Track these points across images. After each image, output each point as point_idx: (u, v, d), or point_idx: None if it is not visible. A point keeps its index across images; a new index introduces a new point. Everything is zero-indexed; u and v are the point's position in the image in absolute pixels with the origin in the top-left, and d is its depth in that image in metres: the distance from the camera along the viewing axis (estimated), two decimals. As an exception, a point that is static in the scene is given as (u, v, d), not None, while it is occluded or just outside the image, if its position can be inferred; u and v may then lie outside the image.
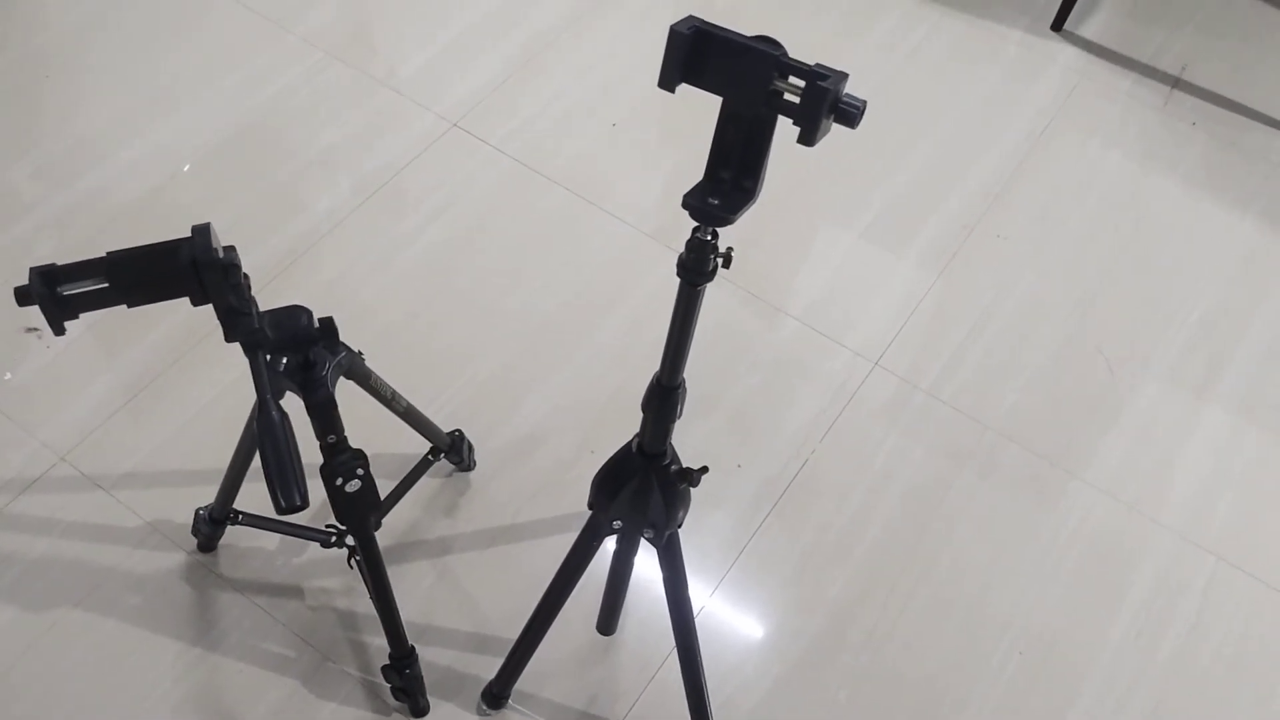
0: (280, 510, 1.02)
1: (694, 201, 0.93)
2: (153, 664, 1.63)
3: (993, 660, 1.74)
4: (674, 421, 1.18)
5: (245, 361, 1.06)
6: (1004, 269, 2.20)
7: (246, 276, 1.07)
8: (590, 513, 1.35)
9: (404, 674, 1.55)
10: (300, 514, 1.08)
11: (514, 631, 1.54)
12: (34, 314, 1.01)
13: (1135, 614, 1.80)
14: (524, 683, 1.61)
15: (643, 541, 1.36)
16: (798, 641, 1.73)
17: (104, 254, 1.01)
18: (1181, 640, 1.78)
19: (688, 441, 1.88)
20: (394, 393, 1.53)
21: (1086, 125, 2.46)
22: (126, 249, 1.02)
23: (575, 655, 1.69)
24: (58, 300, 1.01)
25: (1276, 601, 1.83)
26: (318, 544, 1.63)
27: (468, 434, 1.81)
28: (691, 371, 1.14)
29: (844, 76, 0.84)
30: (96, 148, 2.21)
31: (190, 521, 1.70)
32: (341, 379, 1.35)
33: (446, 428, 1.75)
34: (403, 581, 1.72)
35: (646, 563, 1.53)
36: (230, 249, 1.05)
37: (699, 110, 0.99)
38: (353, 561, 1.51)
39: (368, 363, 1.43)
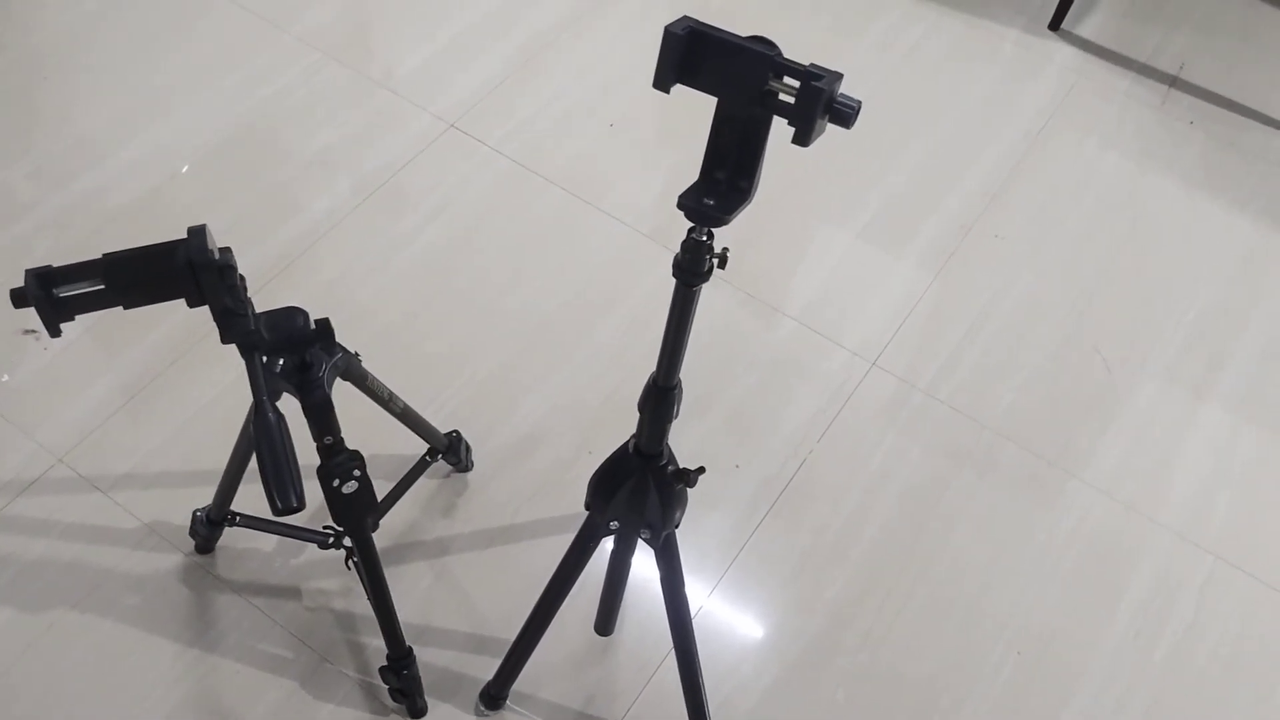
0: (277, 512, 1.02)
1: (689, 202, 0.93)
2: (151, 665, 1.63)
3: (991, 660, 1.74)
4: (670, 422, 1.18)
5: (243, 363, 1.06)
6: (1001, 269, 2.20)
7: (242, 278, 1.07)
8: (587, 513, 1.35)
9: (402, 675, 1.55)
10: (298, 515, 1.08)
11: (512, 632, 1.54)
12: (32, 316, 1.01)
13: (1133, 613, 1.80)
14: (522, 683, 1.61)
15: (640, 542, 1.36)
16: (796, 641, 1.73)
17: (100, 255, 1.02)
18: (1179, 639, 1.78)
19: (685, 442, 1.88)
20: (391, 394, 1.53)
21: (1084, 125, 2.46)
22: (122, 250, 1.02)
23: (573, 656, 1.69)
24: (54, 302, 1.01)
25: (1274, 600, 1.83)
26: (315, 545, 1.63)
27: (465, 435, 1.81)
28: (688, 372, 1.14)
29: (838, 77, 0.84)
30: (94, 148, 2.21)
31: (188, 523, 1.70)
32: (338, 380, 1.35)
33: (444, 429, 1.75)
34: (400, 582, 1.72)
35: (644, 563, 1.53)
36: (226, 250, 1.05)
37: (697, 111, 0.99)
38: (350, 563, 1.51)
39: (365, 364, 1.43)
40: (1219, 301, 2.19)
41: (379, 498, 1.48)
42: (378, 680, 1.61)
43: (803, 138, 0.85)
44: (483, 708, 1.63)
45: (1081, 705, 1.71)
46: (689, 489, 1.27)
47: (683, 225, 0.97)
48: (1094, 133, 2.44)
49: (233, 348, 1.06)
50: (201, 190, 2.17)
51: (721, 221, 0.94)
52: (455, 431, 1.78)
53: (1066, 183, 2.36)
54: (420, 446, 1.71)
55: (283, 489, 1.02)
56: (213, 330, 1.05)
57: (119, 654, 1.64)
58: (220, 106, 2.30)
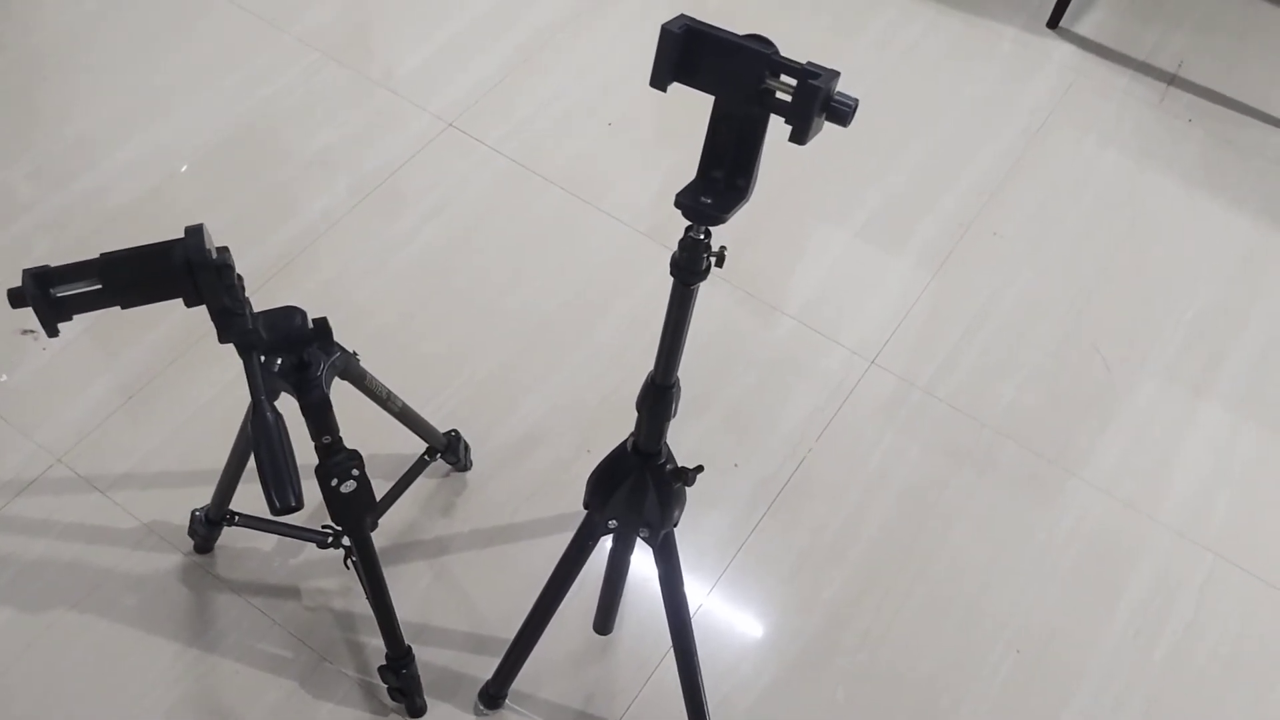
0: (275, 511, 1.02)
1: (686, 200, 0.93)
2: (150, 665, 1.63)
3: (990, 659, 1.74)
4: (668, 421, 1.18)
5: (241, 362, 1.06)
6: (1000, 267, 2.20)
7: (240, 277, 1.07)
8: (586, 512, 1.35)
9: (401, 674, 1.55)
10: (297, 514, 1.08)
11: (511, 631, 1.54)
12: (30, 316, 1.01)
13: (1133, 612, 1.80)
14: (521, 682, 1.61)
15: (639, 541, 1.36)
16: (795, 640, 1.73)
17: (97, 255, 1.01)
18: (1179, 638, 1.78)
19: (683, 441, 1.88)
20: (389, 393, 1.53)
21: (1082, 123, 2.46)
22: (119, 250, 1.02)
23: (572, 655, 1.69)
24: (51, 302, 1.01)
25: (1274, 599, 1.83)
26: (314, 544, 1.63)
27: (464, 434, 1.81)
28: (686, 370, 1.14)
29: (835, 75, 0.84)
30: (93, 148, 2.21)
31: (187, 522, 1.70)
32: (337, 379, 1.35)
33: (443, 428, 1.75)
34: (399, 582, 1.72)
35: (643, 562, 1.53)
36: (224, 249, 1.05)
37: (695, 109, 0.99)
38: (349, 562, 1.51)
39: (363, 363, 1.43)
40: (1218, 299, 2.19)
41: (378, 497, 1.48)
42: (377, 679, 1.61)
43: (800, 136, 0.85)
44: (482, 707, 1.63)
45: (1081, 704, 1.71)
46: (687, 488, 1.27)
47: (681, 224, 0.97)
48: (1093, 131, 2.44)
49: (231, 347, 1.06)
50: (200, 190, 2.17)
51: (719, 220, 0.94)
52: (454, 431, 1.78)
53: (1065, 181, 2.36)
54: (419, 446, 1.71)
55: (281, 488, 1.02)
56: (211, 330, 1.05)
57: (118, 654, 1.64)
58: (219, 106, 2.30)
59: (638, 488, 1.25)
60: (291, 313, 1.22)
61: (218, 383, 1.90)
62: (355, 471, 1.31)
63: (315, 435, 1.28)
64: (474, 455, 1.85)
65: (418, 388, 1.91)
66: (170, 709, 1.60)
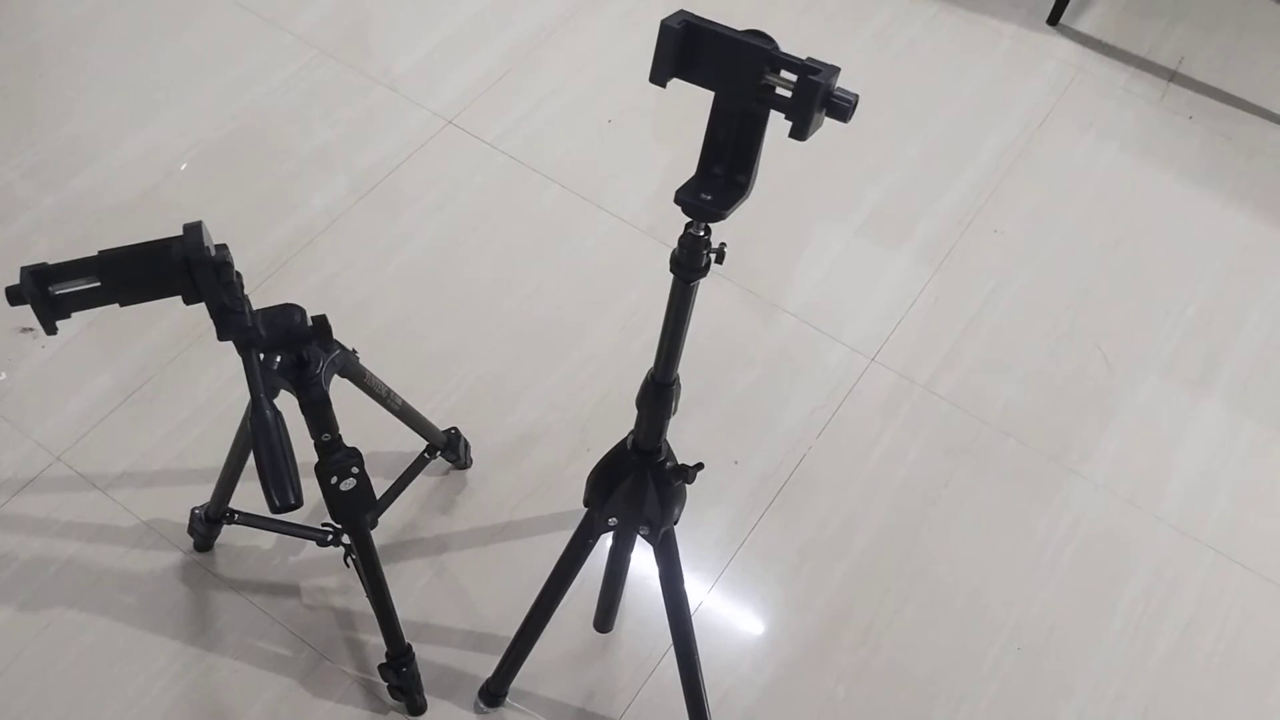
0: (274, 509, 1.02)
1: (686, 197, 0.93)
2: (149, 663, 1.63)
3: (990, 655, 1.73)
4: (668, 418, 1.18)
5: (240, 360, 1.06)
6: (1001, 264, 2.20)
7: (239, 274, 1.06)
8: (586, 510, 1.35)
9: (401, 672, 1.55)
10: (297, 512, 1.07)
11: (511, 629, 1.54)
12: (29, 313, 1.01)
13: (1132, 609, 1.80)
14: (521, 680, 1.61)
15: (639, 538, 1.36)
16: (795, 638, 1.73)
17: (96, 253, 1.01)
18: (1179, 635, 1.78)
19: (683, 438, 1.88)
20: (389, 391, 1.53)
21: (1083, 119, 2.45)
22: (118, 248, 1.02)
23: (572, 653, 1.68)
24: (49, 300, 1.01)
25: (1274, 595, 1.83)
26: (314, 542, 1.63)
27: (464, 432, 1.81)
28: (687, 368, 1.14)
29: (836, 70, 0.83)
30: (91, 146, 2.21)
31: (186, 521, 1.70)
32: (336, 377, 1.35)
33: (443, 426, 1.74)
34: (399, 580, 1.72)
35: (643, 559, 1.52)
36: (222, 247, 1.04)
37: (695, 105, 0.98)
38: (349, 560, 1.51)
39: (363, 361, 1.43)
40: (1218, 295, 2.19)
41: (377, 495, 1.48)
42: (377, 678, 1.61)
43: (800, 132, 0.85)
44: (482, 705, 1.63)
45: (1081, 700, 1.71)
46: (688, 485, 1.26)
47: (681, 221, 0.97)
48: (1093, 127, 2.44)
49: (230, 345, 1.05)
50: (199, 188, 2.17)
51: (719, 217, 0.94)
52: (454, 428, 1.77)
53: (1066, 177, 2.35)
54: (419, 443, 1.71)
55: (280, 487, 1.02)
56: (210, 327, 1.05)
57: (117, 652, 1.63)
58: (218, 104, 2.30)
59: (638, 486, 1.25)
60: (290, 310, 1.22)
61: (217, 380, 1.90)
62: (355, 469, 1.31)
63: (315, 433, 1.28)
64: (474, 453, 1.85)
65: (417, 385, 1.91)
66: (169, 707, 1.60)
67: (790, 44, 0.86)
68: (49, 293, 1.00)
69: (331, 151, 2.24)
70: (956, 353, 2.06)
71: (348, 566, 1.54)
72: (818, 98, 0.83)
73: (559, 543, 1.43)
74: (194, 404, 1.88)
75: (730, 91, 0.89)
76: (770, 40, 0.86)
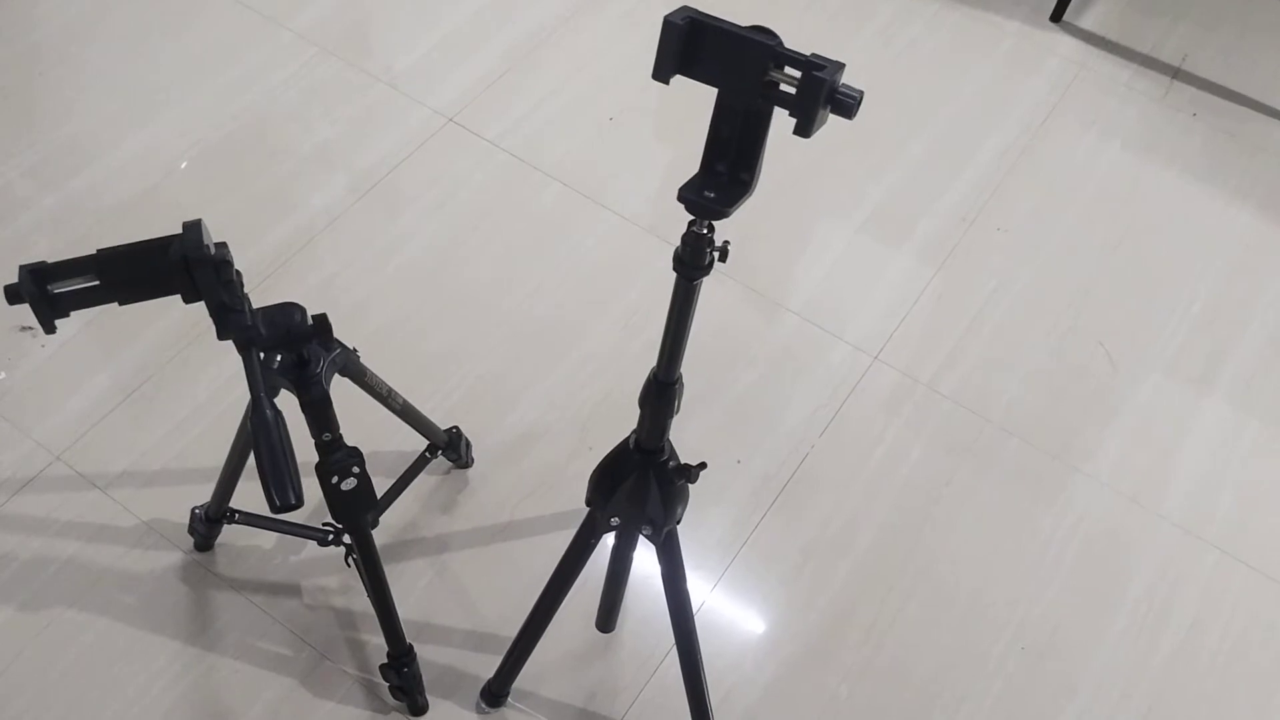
0: (275, 509, 1.01)
1: (689, 195, 0.93)
2: (149, 663, 1.62)
3: (994, 655, 1.73)
4: (671, 418, 1.18)
5: (240, 359, 1.05)
6: (1004, 262, 2.19)
7: (239, 273, 1.06)
8: (588, 510, 1.34)
9: (402, 672, 1.54)
10: (298, 512, 1.07)
11: (512, 629, 1.53)
12: (28, 312, 1.00)
13: (1136, 608, 1.79)
14: (523, 681, 1.60)
15: (642, 538, 1.35)
16: (798, 637, 1.73)
17: (94, 251, 1.01)
18: (1183, 633, 1.77)
19: (686, 437, 1.88)
20: (390, 390, 1.52)
21: (1086, 117, 2.45)
22: (116, 246, 1.01)
23: (574, 653, 1.68)
24: (48, 298, 1.00)
25: (1278, 594, 1.82)
26: (315, 542, 1.62)
27: (465, 431, 1.80)
28: (689, 367, 1.14)
29: (840, 67, 0.83)
30: (91, 145, 2.20)
31: (187, 520, 1.69)
32: (337, 376, 1.34)
33: (444, 425, 1.74)
34: (401, 579, 1.71)
35: (646, 559, 1.52)
36: (222, 245, 1.04)
37: (697, 102, 0.98)
38: (350, 560, 1.51)
39: (364, 360, 1.43)
40: (1222, 293, 2.18)
41: (378, 494, 1.48)
42: (378, 678, 1.60)
43: (804, 129, 0.84)
44: (484, 705, 1.62)
45: (1085, 700, 1.70)
46: (690, 485, 1.26)
47: (683, 220, 0.96)
48: (1096, 125, 2.43)
49: (230, 344, 1.05)
50: (199, 186, 2.16)
51: (722, 214, 0.93)
52: (455, 427, 1.77)
53: (1068, 175, 2.35)
54: (420, 443, 1.70)
55: (281, 486, 1.01)
56: (210, 326, 1.04)
57: (117, 652, 1.63)
58: (218, 102, 2.29)
59: (640, 485, 1.24)
60: (290, 309, 1.21)
61: (217, 379, 1.90)
62: (355, 469, 1.31)
63: (315, 433, 1.28)
64: (475, 452, 1.84)
65: (418, 384, 1.90)
66: (170, 707, 1.59)
67: (792, 41, 0.85)
68: (47, 291, 1.00)
69: (331, 150, 2.24)
70: (959, 351, 2.06)
71: (349, 566, 1.54)
72: (822, 94, 0.82)
73: (560, 542, 1.42)
74: (194, 403, 1.87)
75: (734, 88, 0.88)
76: (774, 36, 0.85)
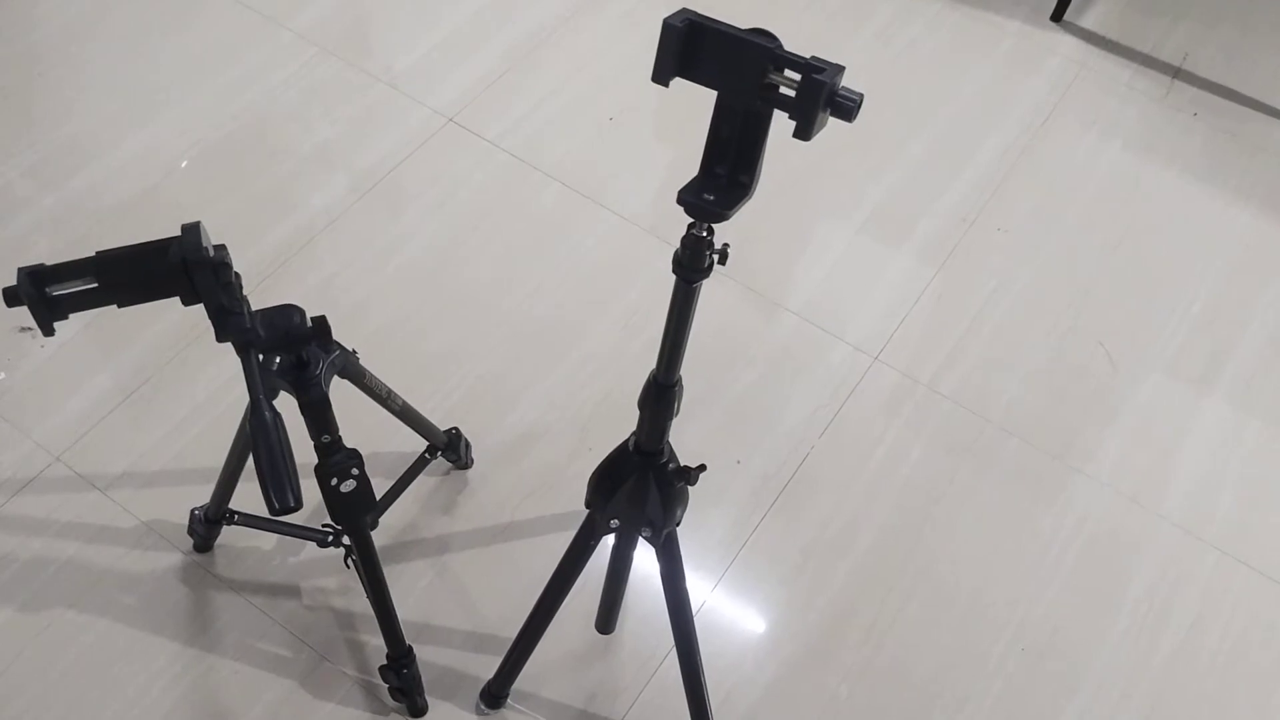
0: (274, 511, 1.01)
1: (689, 197, 0.92)
2: (149, 664, 1.62)
3: (994, 655, 1.73)
4: (671, 420, 1.17)
5: (239, 361, 1.05)
6: (1004, 262, 2.19)
7: (238, 275, 1.06)
8: (588, 511, 1.34)
9: (401, 674, 1.54)
10: (297, 513, 1.07)
11: (512, 630, 1.53)
12: (28, 313, 1.00)
13: (1137, 608, 1.79)
14: (523, 682, 1.60)
15: (641, 539, 1.35)
16: (798, 638, 1.72)
17: (93, 253, 1.00)
18: (1184, 633, 1.77)
19: (686, 439, 1.87)
20: (389, 391, 1.52)
21: (1086, 116, 2.44)
22: (115, 248, 1.01)
23: (574, 654, 1.68)
24: (46, 301, 1.00)
25: (1278, 594, 1.82)
26: (314, 543, 1.62)
27: (465, 432, 1.80)
28: (689, 368, 1.13)
29: (840, 69, 0.82)
30: (91, 145, 2.20)
31: (186, 521, 1.69)
32: (336, 378, 1.34)
33: (443, 426, 1.74)
34: (400, 580, 1.71)
35: (646, 560, 1.52)
36: (221, 247, 1.04)
37: (697, 103, 0.98)
38: (349, 561, 1.50)
39: (363, 361, 1.42)
40: (1223, 293, 2.18)
41: (378, 495, 1.48)
42: (377, 679, 1.60)
43: (804, 131, 0.84)
44: (484, 706, 1.62)
45: (1085, 700, 1.70)
46: (690, 487, 1.26)
47: (683, 220, 0.96)
48: (1097, 125, 2.43)
49: (229, 346, 1.05)
50: (199, 187, 2.16)
51: (722, 217, 0.93)
52: (455, 428, 1.77)
53: (1069, 175, 2.34)
54: (419, 444, 1.70)
55: (280, 488, 1.01)
56: (209, 328, 1.04)
57: (117, 653, 1.63)
58: (217, 103, 2.29)
59: (640, 487, 1.24)
60: (289, 311, 1.21)
61: (216, 381, 1.90)
62: (355, 470, 1.31)
63: (314, 434, 1.27)
64: (475, 453, 1.84)
65: (417, 385, 1.90)
66: (170, 708, 1.59)
67: (791, 42, 0.85)
68: (46, 294, 0.99)
69: (331, 150, 2.23)
70: (959, 351, 2.05)
71: (348, 567, 1.54)
72: (822, 97, 0.82)
73: (560, 543, 1.42)
74: (193, 404, 1.87)
75: (733, 91, 0.88)
76: (774, 38, 0.85)
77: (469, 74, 2.38)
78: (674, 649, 1.47)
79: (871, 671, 1.70)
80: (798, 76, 0.83)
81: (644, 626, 1.71)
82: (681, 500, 1.29)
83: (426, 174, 2.22)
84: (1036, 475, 1.92)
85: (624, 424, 1.23)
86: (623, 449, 1.24)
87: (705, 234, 0.97)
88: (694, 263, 0.99)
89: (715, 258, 1.00)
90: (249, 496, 1.52)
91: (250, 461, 1.45)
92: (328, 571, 1.72)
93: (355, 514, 1.38)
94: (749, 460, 1.89)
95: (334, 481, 1.30)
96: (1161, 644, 1.76)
